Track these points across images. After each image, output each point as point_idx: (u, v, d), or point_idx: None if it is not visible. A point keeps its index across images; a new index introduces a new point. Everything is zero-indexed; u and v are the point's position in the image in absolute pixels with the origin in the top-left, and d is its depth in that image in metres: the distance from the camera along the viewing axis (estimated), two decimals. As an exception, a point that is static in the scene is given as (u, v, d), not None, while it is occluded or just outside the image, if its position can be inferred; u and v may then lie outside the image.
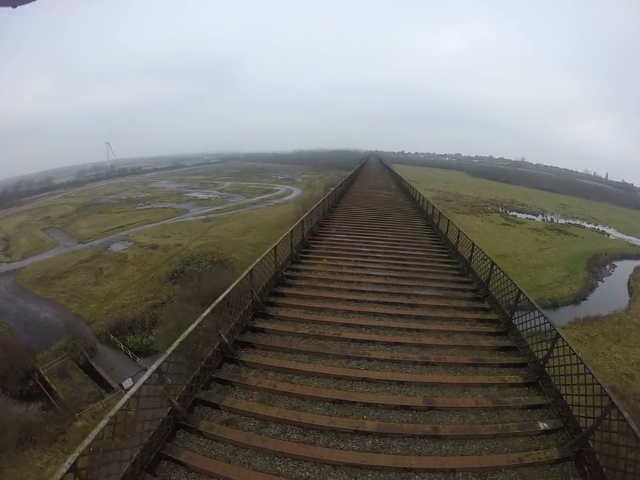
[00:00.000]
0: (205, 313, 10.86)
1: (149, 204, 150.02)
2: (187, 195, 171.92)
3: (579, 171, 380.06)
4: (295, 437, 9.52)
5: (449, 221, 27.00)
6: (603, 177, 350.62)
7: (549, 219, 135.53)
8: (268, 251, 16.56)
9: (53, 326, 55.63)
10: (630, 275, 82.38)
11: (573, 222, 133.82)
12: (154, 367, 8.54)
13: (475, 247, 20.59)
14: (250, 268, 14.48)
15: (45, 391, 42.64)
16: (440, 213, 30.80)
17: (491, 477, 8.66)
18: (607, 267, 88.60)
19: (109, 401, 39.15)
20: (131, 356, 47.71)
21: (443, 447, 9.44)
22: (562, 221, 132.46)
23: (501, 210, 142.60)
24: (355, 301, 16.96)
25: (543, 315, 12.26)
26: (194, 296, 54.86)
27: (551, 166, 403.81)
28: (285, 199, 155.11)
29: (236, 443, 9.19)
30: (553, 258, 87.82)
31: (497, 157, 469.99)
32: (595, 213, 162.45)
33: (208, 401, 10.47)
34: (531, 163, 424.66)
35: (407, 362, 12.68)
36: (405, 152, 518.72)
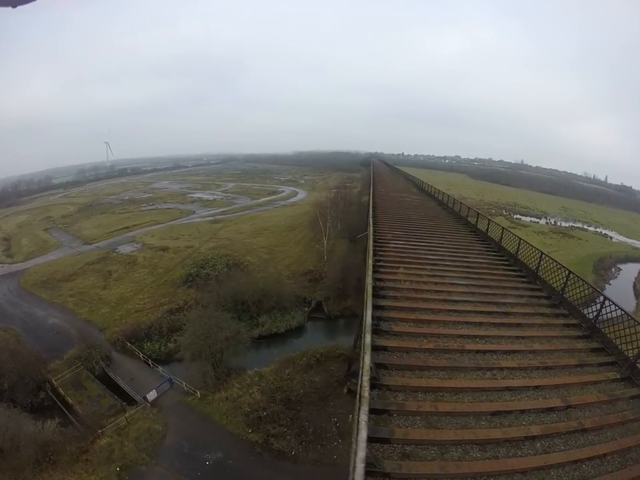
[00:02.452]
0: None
1: (152, 204, 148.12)
2: (191, 195, 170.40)
3: (578, 173, 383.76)
4: (478, 455, 9.79)
5: (503, 229, 27.82)
6: (602, 179, 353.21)
7: (552, 222, 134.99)
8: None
9: (63, 332, 52.77)
10: (635, 278, 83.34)
11: (575, 225, 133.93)
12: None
13: (543, 255, 22.14)
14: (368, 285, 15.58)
15: (59, 404, 39.61)
16: (489, 221, 31.63)
17: (630, 456, 10.25)
18: (613, 269, 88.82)
19: (133, 415, 36.41)
20: (151, 365, 44.76)
21: (590, 437, 10.91)
22: (565, 224, 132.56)
23: (505, 212, 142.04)
24: (455, 311, 17.57)
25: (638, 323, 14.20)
26: (213, 300, 53.05)
27: (550, 168, 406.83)
28: (291, 200, 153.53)
29: (431, 476, 9.14)
30: (561, 261, 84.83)
31: (497, 160, 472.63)
32: (596, 215, 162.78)
33: (377, 437, 10.06)
34: (531, 166, 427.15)
35: (531, 368, 13.80)
36: (405, 154, 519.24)
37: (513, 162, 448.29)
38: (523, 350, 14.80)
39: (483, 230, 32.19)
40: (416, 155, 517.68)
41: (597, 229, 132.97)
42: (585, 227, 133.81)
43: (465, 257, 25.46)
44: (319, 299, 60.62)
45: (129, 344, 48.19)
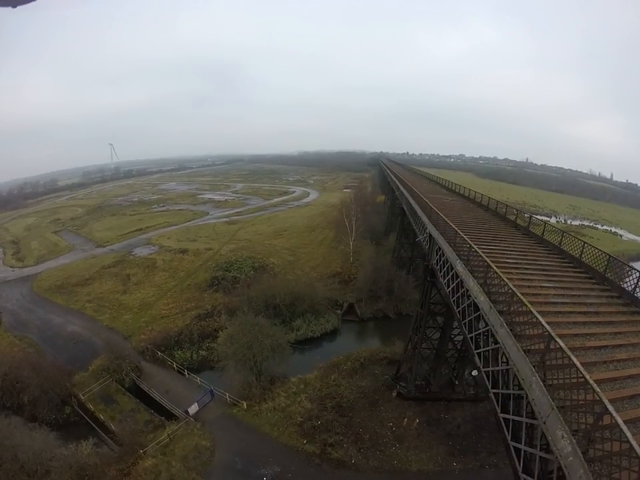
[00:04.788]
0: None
1: (163, 206, 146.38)
2: (201, 196, 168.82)
3: (584, 171, 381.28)
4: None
5: (563, 232, 27.16)
6: (608, 177, 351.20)
7: (563, 221, 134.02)
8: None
9: (84, 341, 49.85)
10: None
11: (586, 223, 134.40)
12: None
13: (611, 258, 21.72)
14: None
15: (89, 421, 36.75)
16: (544, 224, 30.49)
17: None
18: (626, 268, 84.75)
19: (176, 431, 33.39)
20: (187, 375, 41.82)
21: None
22: (575, 223, 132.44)
23: (515, 212, 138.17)
24: (560, 312, 17.28)
25: None
26: (244, 304, 51.30)
27: (556, 166, 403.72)
28: (305, 200, 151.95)
29: None
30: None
31: (502, 158, 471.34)
32: (604, 214, 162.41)
33: None
34: (536, 164, 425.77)
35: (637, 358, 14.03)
36: (410, 153, 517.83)
37: (518, 160, 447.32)
38: (626, 344, 15.24)
39: (536, 233, 31.01)
40: (421, 154, 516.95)
41: (607, 228, 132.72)
42: (595, 225, 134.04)
43: (535, 260, 24.50)
44: (350, 302, 58.61)
45: (159, 353, 45.19)
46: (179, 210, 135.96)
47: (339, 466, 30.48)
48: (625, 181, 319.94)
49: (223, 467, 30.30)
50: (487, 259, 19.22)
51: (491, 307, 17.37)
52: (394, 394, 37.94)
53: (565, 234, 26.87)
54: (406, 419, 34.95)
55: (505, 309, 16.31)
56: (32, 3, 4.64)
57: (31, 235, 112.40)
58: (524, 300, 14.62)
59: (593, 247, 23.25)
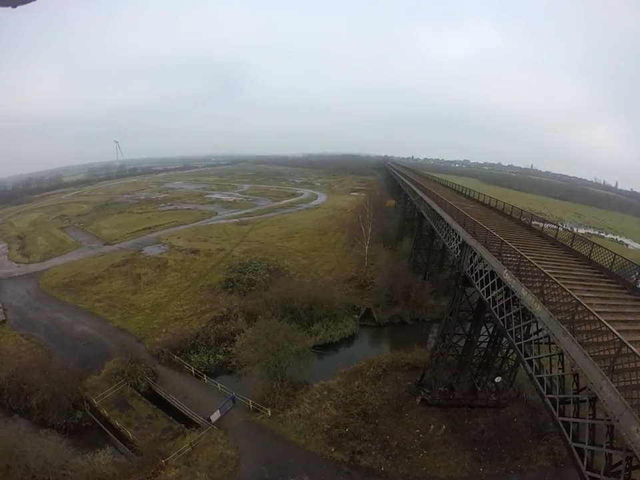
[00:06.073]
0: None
1: (171, 205, 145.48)
2: (209, 196, 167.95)
3: (589, 179, 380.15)
4: None
5: (593, 244, 26.47)
6: (613, 185, 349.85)
7: (569, 229, 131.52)
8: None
9: (95, 342, 48.34)
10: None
11: (592, 232, 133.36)
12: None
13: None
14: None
15: (103, 427, 35.21)
16: (573, 235, 29.96)
17: None
18: (633, 277, 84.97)
19: (198, 439, 31.90)
20: (205, 380, 40.34)
21: None
22: (582, 231, 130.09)
23: (522, 219, 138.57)
24: (625, 322, 16.91)
25: None
26: (262, 308, 50.33)
27: (560, 174, 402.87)
28: (314, 203, 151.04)
29: None
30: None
31: (506, 164, 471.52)
32: (609, 222, 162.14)
33: None
34: (540, 171, 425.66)
35: None
36: (414, 157, 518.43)
37: (522, 167, 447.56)
38: None
39: (564, 243, 30.41)
40: (425, 159, 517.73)
41: (613, 236, 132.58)
42: (602, 234, 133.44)
43: (570, 270, 24.04)
44: (368, 306, 57.68)
45: (175, 357, 43.64)
46: (187, 209, 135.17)
47: (369, 474, 29.95)
48: (629, 190, 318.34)
49: (249, 477, 29.31)
50: (545, 270, 19.12)
51: (550, 316, 17.41)
52: (418, 400, 37.66)
53: (595, 245, 26.22)
54: (432, 426, 34.79)
55: (568, 317, 16.30)
56: (32, 3, 4.65)
57: (37, 231, 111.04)
58: (591, 310, 14.63)
59: (624, 258, 23.06)
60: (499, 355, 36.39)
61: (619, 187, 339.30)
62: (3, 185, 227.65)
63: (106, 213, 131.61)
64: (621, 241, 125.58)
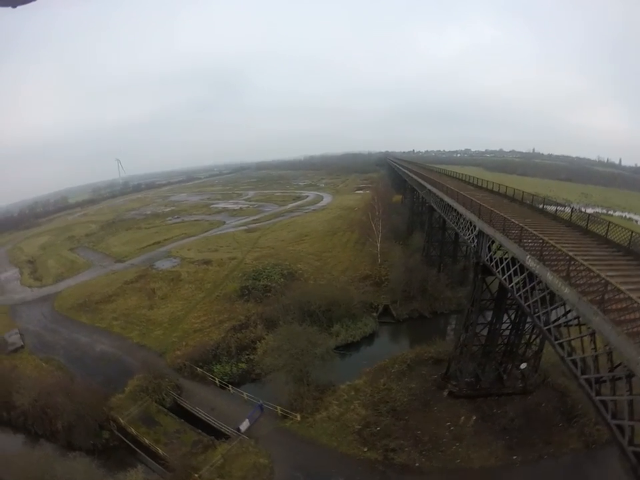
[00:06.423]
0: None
1: (178, 217, 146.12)
2: (215, 206, 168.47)
3: (592, 158, 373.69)
4: None
5: (609, 223, 25.94)
6: (617, 162, 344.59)
7: (577, 209, 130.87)
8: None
9: (115, 360, 48.33)
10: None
11: (600, 211, 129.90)
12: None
13: None
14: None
15: (132, 445, 35.03)
16: (588, 216, 29.55)
17: None
18: None
19: (230, 450, 31.68)
20: (231, 390, 40.14)
21: None
22: (590, 211, 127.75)
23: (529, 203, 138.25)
24: None
25: None
26: (279, 313, 50.39)
27: (563, 155, 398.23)
28: (320, 204, 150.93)
29: None
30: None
31: (508, 150, 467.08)
32: (617, 200, 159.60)
33: None
34: (543, 154, 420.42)
35: None
36: (415, 151, 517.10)
37: (524, 151, 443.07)
38: None
39: (579, 225, 29.97)
40: (427, 151, 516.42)
41: (621, 214, 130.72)
42: (609, 212, 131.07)
43: (589, 251, 23.63)
44: (385, 303, 57.51)
45: (198, 369, 43.41)
46: (195, 220, 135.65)
47: (404, 471, 29.84)
48: (634, 166, 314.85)
49: (285, 484, 29.09)
50: (569, 253, 19.03)
51: (580, 298, 17.20)
52: (445, 393, 37.57)
53: (610, 224, 25.79)
54: (462, 417, 34.66)
55: (598, 297, 16.04)
56: (32, 3, 4.69)
57: (47, 254, 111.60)
58: (621, 288, 14.49)
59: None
60: (522, 341, 35.98)
61: (623, 164, 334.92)
62: (8, 211, 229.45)
63: (114, 231, 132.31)
64: (630, 217, 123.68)
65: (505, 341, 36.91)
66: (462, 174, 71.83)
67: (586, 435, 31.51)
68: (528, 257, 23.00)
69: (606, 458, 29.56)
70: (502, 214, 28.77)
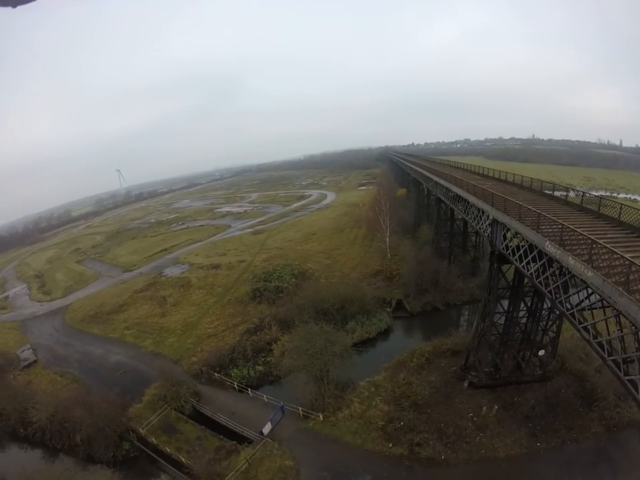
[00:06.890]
0: None
1: (182, 224, 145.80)
2: (219, 210, 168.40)
3: (592, 140, 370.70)
4: None
5: (621, 205, 26.06)
6: (617, 144, 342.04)
7: (581, 194, 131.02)
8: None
9: (131, 370, 48.04)
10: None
11: (604, 193, 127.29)
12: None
13: None
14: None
15: (153, 455, 34.75)
16: (600, 199, 29.86)
17: None
18: None
19: (254, 454, 31.36)
20: (250, 393, 39.86)
21: None
22: (594, 194, 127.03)
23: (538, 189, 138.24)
24: None
25: None
26: (293, 313, 50.29)
27: (563, 139, 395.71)
28: (324, 202, 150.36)
29: None
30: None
31: (507, 137, 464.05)
32: (620, 181, 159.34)
33: None
34: (543, 139, 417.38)
35: None
36: (415, 143, 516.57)
37: (524, 138, 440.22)
38: None
39: (590, 208, 30.47)
40: (426, 144, 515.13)
41: (625, 195, 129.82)
42: (613, 194, 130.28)
43: (604, 234, 23.27)
44: (398, 298, 57.21)
45: (215, 374, 43.12)
46: (200, 226, 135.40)
47: (430, 464, 29.84)
48: (635, 146, 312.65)
49: (313, 485, 28.85)
50: (591, 236, 18.92)
51: (604, 280, 17.20)
52: (465, 384, 37.61)
53: (623, 206, 25.93)
54: (484, 408, 34.60)
55: (622, 279, 16.27)
56: (32, 3, 4.67)
57: (54, 267, 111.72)
58: None
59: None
60: (539, 328, 35.70)
61: (624, 145, 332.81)
62: (13, 227, 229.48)
63: (120, 241, 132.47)
64: (634, 198, 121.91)
65: (522, 328, 36.78)
66: (465, 164, 71.53)
67: (607, 418, 31.69)
68: (547, 242, 22.86)
69: (628, 440, 29.78)
70: (517, 201, 28.58)
